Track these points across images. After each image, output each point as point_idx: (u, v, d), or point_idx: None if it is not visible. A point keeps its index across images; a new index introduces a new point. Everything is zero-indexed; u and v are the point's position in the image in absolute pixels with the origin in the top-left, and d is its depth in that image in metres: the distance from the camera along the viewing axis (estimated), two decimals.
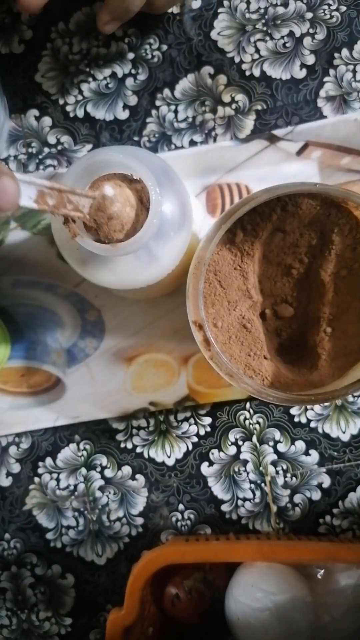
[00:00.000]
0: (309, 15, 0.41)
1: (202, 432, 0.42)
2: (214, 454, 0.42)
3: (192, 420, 0.42)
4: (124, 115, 0.42)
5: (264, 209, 0.32)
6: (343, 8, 0.41)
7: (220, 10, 0.41)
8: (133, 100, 0.42)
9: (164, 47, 0.42)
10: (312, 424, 0.41)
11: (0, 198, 0.24)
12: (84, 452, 0.42)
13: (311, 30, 0.41)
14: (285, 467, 0.41)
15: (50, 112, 0.42)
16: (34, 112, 0.42)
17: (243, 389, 0.31)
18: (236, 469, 0.41)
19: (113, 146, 0.33)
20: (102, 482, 0.42)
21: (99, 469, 0.42)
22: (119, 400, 0.41)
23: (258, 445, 0.41)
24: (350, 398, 0.41)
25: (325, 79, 0.41)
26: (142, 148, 0.41)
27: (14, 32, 0.43)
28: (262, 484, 0.41)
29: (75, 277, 0.41)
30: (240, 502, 0.41)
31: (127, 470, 0.42)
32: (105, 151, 0.30)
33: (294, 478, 0.41)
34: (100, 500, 0.42)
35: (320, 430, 0.41)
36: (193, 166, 0.40)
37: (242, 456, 0.41)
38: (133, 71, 0.42)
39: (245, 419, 0.41)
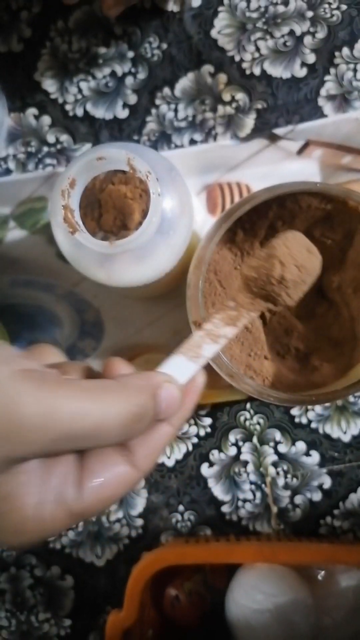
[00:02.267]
0: (310, 13, 0.41)
1: (202, 433, 0.41)
2: (214, 454, 0.41)
3: (192, 421, 0.42)
4: (123, 114, 0.42)
5: (264, 208, 0.32)
6: (344, 7, 0.41)
7: (220, 8, 0.41)
8: (133, 99, 0.42)
9: (164, 46, 0.42)
10: (313, 425, 0.41)
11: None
12: None
13: (312, 29, 0.41)
14: (285, 468, 0.41)
15: (49, 111, 0.42)
16: (33, 110, 0.42)
17: (243, 389, 0.31)
18: (236, 470, 0.41)
19: (115, 142, 0.32)
20: None
21: None
22: None
23: (258, 446, 0.41)
24: (351, 399, 0.41)
25: (326, 77, 0.41)
26: (144, 146, 0.41)
27: (13, 30, 0.42)
28: (263, 485, 0.41)
29: (73, 276, 0.41)
30: (240, 503, 0.41)
31: None
32: (108, 147, 0.30)
33: (294, 479, 0.41)
34: None
35: (321, 431, 0.41)
36: (193, 165, 0.40)
37: (242, 457, 0.41)
38: (133, 70, 0.42)
39: (245, 419, 0.41)
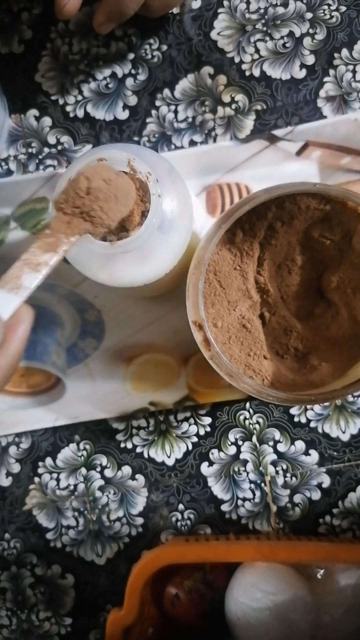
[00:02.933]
0: (309, 15, 0.41)
1: (202, 432, 0.42)
2: (214, 454, 0.42)
3: (192, 420, 0.42)
4: (123, 115, 0.42)
5: (263, 209, 0.32)
6: (343, 8, 0.41)
7: (220, 10, 0.41)
8: (133, 100, 0.42)
9: (164, 47, 0.42)
10: (312, 424, 0.41)
11: None
12: (84, 452, 0.42)
13: (311, 31, 0.41)
14: (285, 467, 0.41)
15: (50, 112, 0.42)
16: (34, 112, 0.42)
17: (243, 389, 0.31)
18: (236, 469, 0.41)
19: (116, 144, 0.33)
20: (102, 482, 0.42)
21: (98, 469, 0.42)
22: (118, 400, 0.41)
23: (258, 445, 0.41)
24: (350, 398, 0.41)
25: (325, 79, 0.41)
26: (144, 147, 0.41)
27: (13, 32, 0.43)
28: (262, 484, 0.41)
29: (75, 277, 0.41)
30: (240, 502, 0.41)
31: (127, 470, 0.42)
32: (108, 148, 0.30)
33: (293, 478, 0.41)
34: (100, 500, 0.42)
35: (320, 430, 0.41)
36: (193, 166, 0.40)
37: (242, 456, 0.41)
38: (133, 71, 0.42)
39: (245, 419, 0.41)
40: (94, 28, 0.39)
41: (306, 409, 0.41)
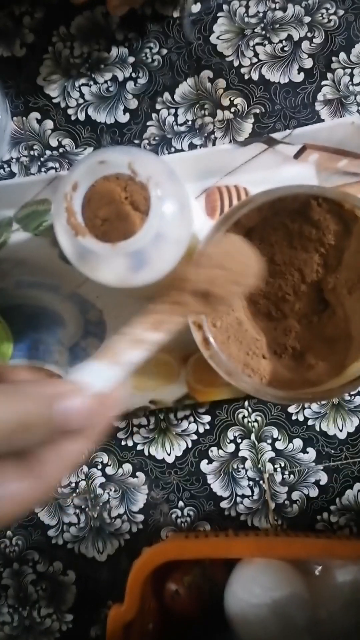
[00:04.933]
0: (307, 19, 0.42)
1: (201, 430, 0.42)
2: (213, 451, 0.42)
3: (191, 419, 0.42)
4: (124, 118, 0.42)
5: (261, 212, 0.32)
6: (341, 12, 0.42)
7: (219, 14, 0.42)
8: (133, 103, 0.42)
9: (164, 51, 0.42)
10: (310, 422, 0.42)
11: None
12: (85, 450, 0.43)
13: (309, 34, 0.42)
14: (283, 464, 0.42)
15: (51, 115, 0.43)
16: (36, 115, 0.43)
17: (241, 387, 0.31)
18: (235, 467, 0.42)
19: (117, 147, 0.33)
20: (103, 480, 0.43)
21: (100, 467, 0.43)
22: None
23: (256, 443, 0.42)
24: (346, 396, 0.41)
25: (323, 82, 0.42)
26: (145, 150, 0.42)
27: (15, 35, 0.43)
28: (261, 481, 0.42)
29: (77, 277, 0.42)
30: (239, 499, 0.42)
31: (127, 467, 0.43)
32: (109, 151, 0.30)
33: (291, 475, 0.42)
34: (101, 498, 0.43)
35: (317, 428, 0.41)
36: (192, 169, 0.41)
37: (240, 454, 0.42)
38: (133, 75, 0.42)
39: (243, 417, 0.42)
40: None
41: (304, 407, 0.42)
